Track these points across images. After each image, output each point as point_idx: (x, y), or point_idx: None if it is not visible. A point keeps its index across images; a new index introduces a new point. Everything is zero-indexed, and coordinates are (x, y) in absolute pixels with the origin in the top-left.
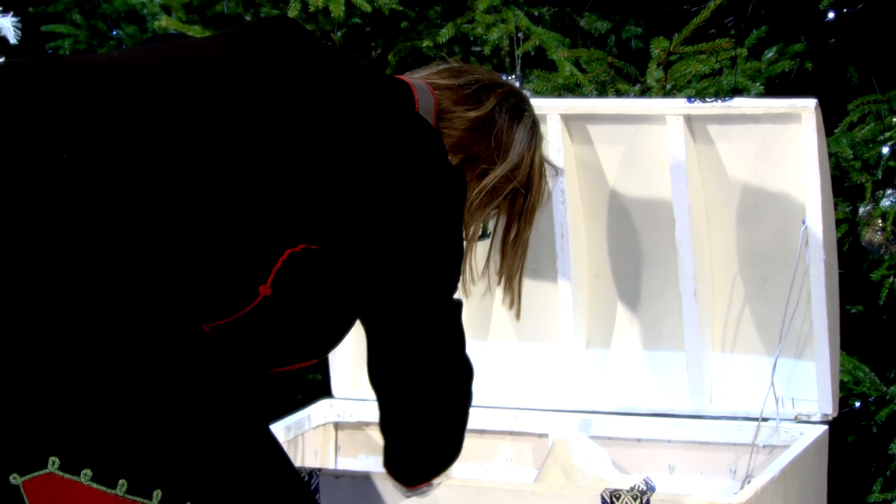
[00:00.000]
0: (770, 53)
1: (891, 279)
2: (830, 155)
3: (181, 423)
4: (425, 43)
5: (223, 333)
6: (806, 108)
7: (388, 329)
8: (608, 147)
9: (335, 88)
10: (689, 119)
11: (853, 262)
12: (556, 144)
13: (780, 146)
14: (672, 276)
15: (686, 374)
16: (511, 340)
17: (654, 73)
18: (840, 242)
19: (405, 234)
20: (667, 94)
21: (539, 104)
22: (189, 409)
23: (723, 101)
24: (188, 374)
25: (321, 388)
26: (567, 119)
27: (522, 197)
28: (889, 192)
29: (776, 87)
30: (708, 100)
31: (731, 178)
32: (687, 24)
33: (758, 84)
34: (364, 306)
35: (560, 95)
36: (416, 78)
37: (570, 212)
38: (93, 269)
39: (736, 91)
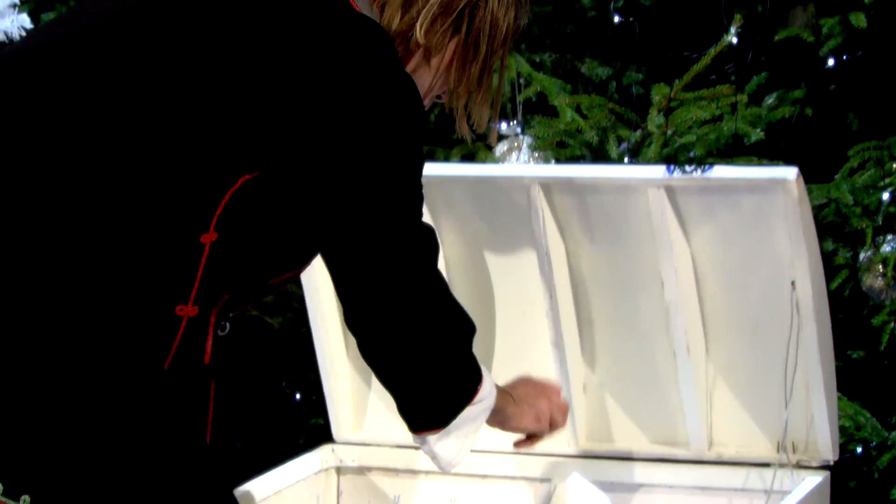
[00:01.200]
0: (770, 99)
1: (892, 324)
2: (831, 201)
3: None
4: None
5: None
6: (787, 180)
7: (349, 258)
8: (590, 213)
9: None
10: (670, 190)
11: (854, 307)
12: (536, 211)
13: (762, 215)
14: (665, 328)
15: (686, 421)
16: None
17: (655, 119)
18: (841, 288)
19: (353, 151)
20: (667, 140)
21: (520, 171)
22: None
23: (702, 171)
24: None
25: (322, 433)
26: (547, 187)
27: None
28: (889, 237)
29: (776, 132)
30: (688, 169)
31: (716, 243)
32: (688, 70)
33: (758, 130)
34: (321, 236)
35: (561, 142)
36: None
37: (556, 272)
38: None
39: (737, 137)
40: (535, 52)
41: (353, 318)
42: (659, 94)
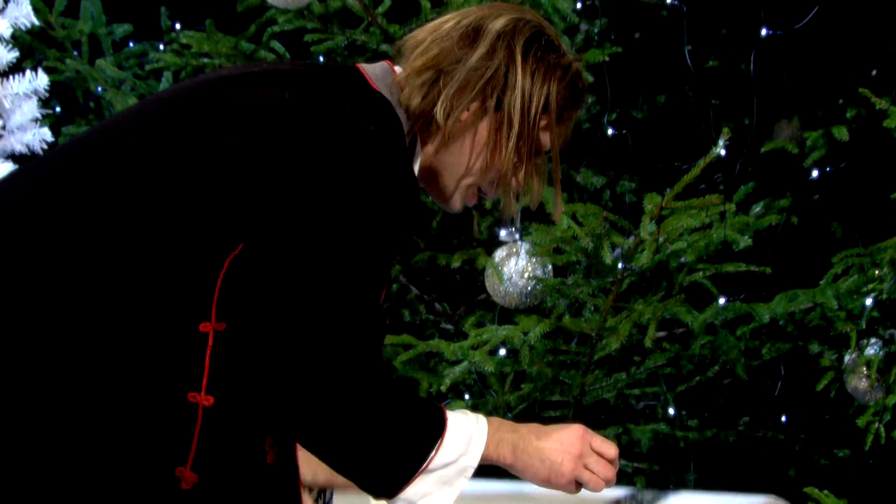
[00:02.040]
0: (757, 208)
1: (876, 424)
2: (816, 305)
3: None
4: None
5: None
6: None
7: (290, 329)
8: None
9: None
10: None
11: (840, 407)
12: None
13: None
14: None
15: None
16: None
17: (647, 227)
18: (826, 389)
19: (313, 228)
20: (659, 246)
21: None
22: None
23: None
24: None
25: None
26: None
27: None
28: (873, 341)
29: (764, 239)
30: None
31: None
32: (678, 180)
33: (746, 237)
34: (268, 308)
35: (558, 248)
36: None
37: None
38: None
39: (725, 244)
40: None
41: (283, 391)
42: (651, 203)
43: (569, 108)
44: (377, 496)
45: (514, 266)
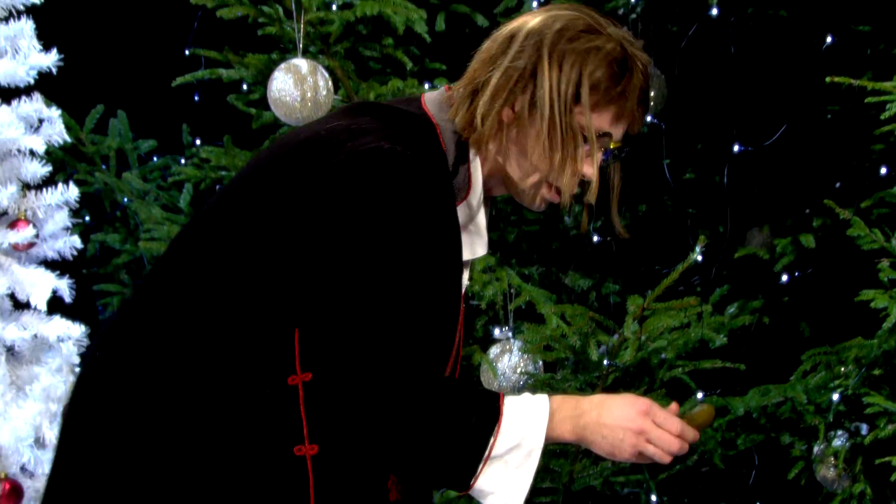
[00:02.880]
0: (732, 309)
1: None
2: (787, 399)
3: None
4: None
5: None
6: None
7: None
8: None
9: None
10: None
11: (809, 496)
12: None
13: None
14: None
15: None
16: None
17: (630, 326)
18: (797, 478)
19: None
20: (642, 344)
21: None
22: None
23: None
24: None
25: None
26: None
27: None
28: (840, 433)
29: (738, 338)
30: None
31: None
32: (659, 283)
33: (721, 336)
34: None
35: (548, 346)
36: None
37: None
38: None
39: (703, 342)
40: (524, 265)
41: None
42: (634, 304)
43: (613, 86)
44: (456, 490)
45: (507, 362)
